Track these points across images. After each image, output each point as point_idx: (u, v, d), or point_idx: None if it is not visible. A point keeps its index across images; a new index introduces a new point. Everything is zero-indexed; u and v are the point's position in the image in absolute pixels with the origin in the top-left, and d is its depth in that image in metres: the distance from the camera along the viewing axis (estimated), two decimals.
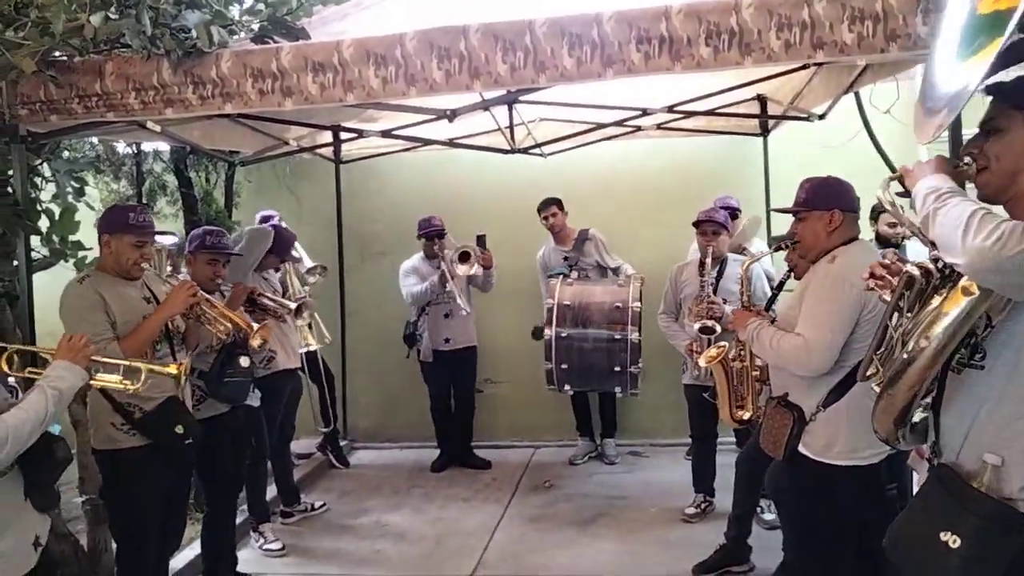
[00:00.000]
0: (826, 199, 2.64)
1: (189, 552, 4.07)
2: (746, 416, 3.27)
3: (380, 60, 2.59)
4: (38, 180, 3.63)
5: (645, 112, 4.75)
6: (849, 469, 2.56)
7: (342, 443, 6.01)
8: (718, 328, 3.99)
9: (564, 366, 4.93)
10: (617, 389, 5.02)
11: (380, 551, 4.37)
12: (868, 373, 1.87)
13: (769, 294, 3.57)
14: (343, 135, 5.13)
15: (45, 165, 3.59)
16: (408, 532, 4.61)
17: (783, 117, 4.97)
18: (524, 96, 3.81)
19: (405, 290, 5.39)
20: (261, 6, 2.80)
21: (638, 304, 4.80)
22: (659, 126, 5.20)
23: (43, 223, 3.23)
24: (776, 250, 3.13)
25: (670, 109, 4.65)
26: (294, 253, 5.02)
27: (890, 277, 1.89)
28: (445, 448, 5.75)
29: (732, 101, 4.72)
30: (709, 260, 4.19)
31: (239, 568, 3.94)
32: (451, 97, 3.23)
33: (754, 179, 5.37)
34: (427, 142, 5.19)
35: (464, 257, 5.14)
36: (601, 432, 5.73)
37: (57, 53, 2.73)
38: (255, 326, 3.30)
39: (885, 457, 2.58)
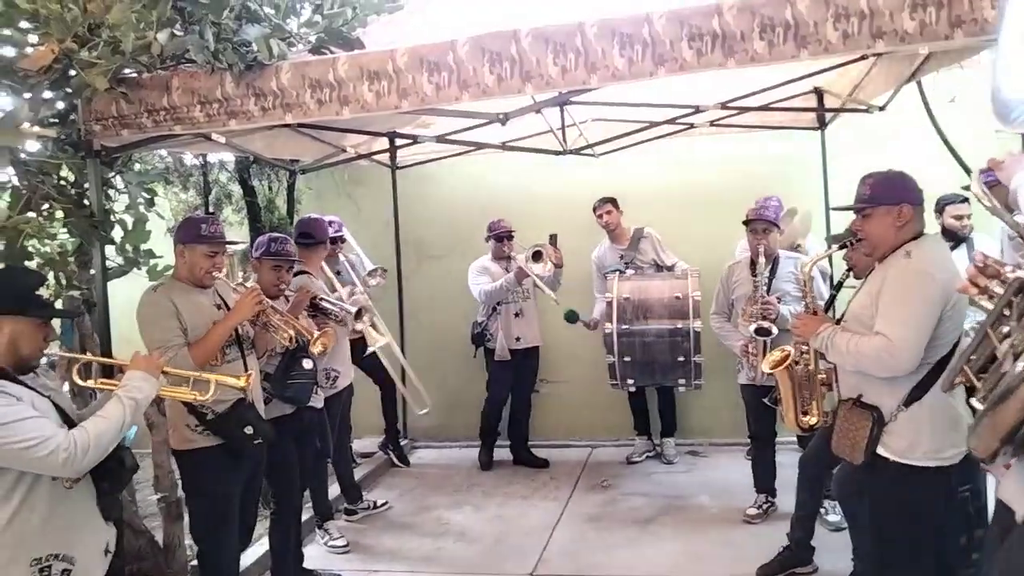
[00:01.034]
0: (893, 193, 2.55)
1: (258, 548, 4.21)
2: (812, 421, 3.19)
3: (433, 67, 2.64)
4: (112, 192, 3.80)
5: (698, 109, 4.70)
6: (933, 470, 2.47)
7: (403, 442, 6.12)
8: (774, 330, 3.93)
9: (627, 359, 4.96)
10: (681, 381, 5.00)
11: (441, 549, 4.43)
12: (956, 381, 1.77)
13: (825, 294, 3.49)
14: (398, 141, 5.23)
15: (118, 177, 3.76)
16: (468, 530, 4.67)
17: (841, 110, 4.85)
18: (576, 97, 3.81)
19: (477, 288, 5.45)
20: (318, 18, 2.88)
21: (698, 294, 4.81)
22: (712, 123, 5.13)
23: (117, 233, 3.39)
24: (840, 248, 3.05)
25: (723, 105, 4.59)
26: (350, 256, 5.13)
27: (987, 281, 1.68)
28: (490, 443, 5.81)
29: (788, 95, 4.63)
30: (762, 259, 4.12)
31: (305, 564, 4.05)
32: (503, 101, 3.27)
33: (811, 175, 5.24)
34: (480, 146, 5.25)
35: (537, 256, 5.20)
36: (660, 431, 5.69)
37: (127, 71, 2.86)
38: (316, 333, 3.39)
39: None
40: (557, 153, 5.09)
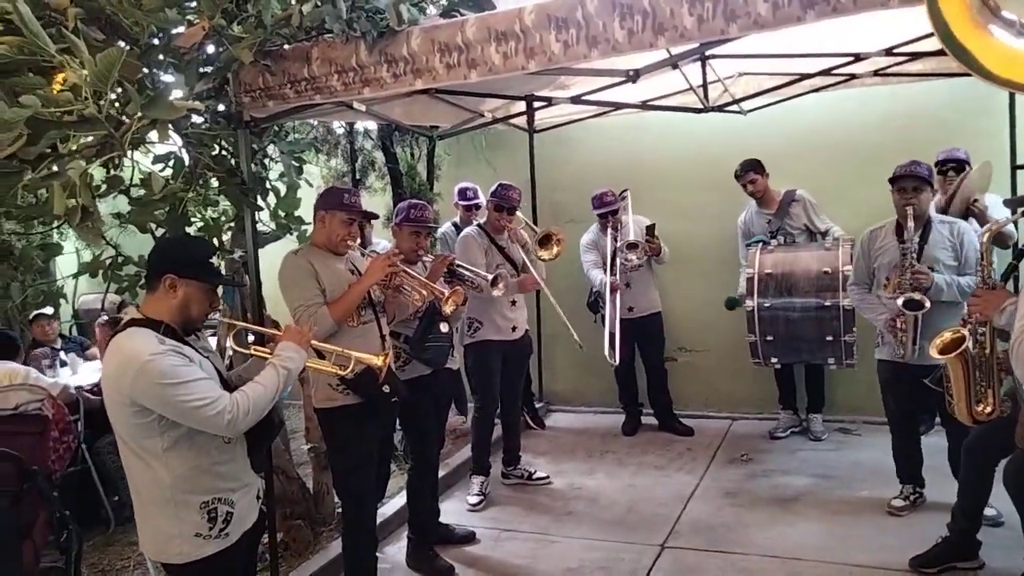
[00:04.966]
0: None
1: (398, 500, 4.42)
2: (988, 411, 2.86)
3: (561, 23, 2.53)
4: (267, 161, 4.03)
5: (858, 57, 4.27)
6: None
7: (537, 405, 6.18)
8: (927, 303, 3.53)
9: (769, 338, 4.71)
10: (830, 360, 4.67)
11: (572, 513, 4.45)
12: None
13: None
14: (535, 104, 5.17)
15: (272, 147, 3.98)
16: (600, 496, 4.64)
17: None
18: (716, 49, 3.57)
19: (585, 266, 5.45)
20: None
21: (849, 268, 4.41)
22: (877, 72, 4.66)
23: (271, 200, 3.59)
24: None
25: (889, 52, 4.14)
26: None
27: None
28: (632, 411, 5.79)
29: None
30: (911, 223, 3.65)
31: (440, 519, 4.20)
32: (639, 56, 3.11)
33: (996, 127, 4.63)
34: (618, 106, 5.09)
35: (632, 246, 5.10)
36: (807, 406, 5.37)
37: (272, 44, 2.98)
38: (447, 292, 3.45)
39: None
40: (698, 111, 4.83)
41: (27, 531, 3.11)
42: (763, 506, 4.31)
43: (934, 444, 4.11)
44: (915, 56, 4.28)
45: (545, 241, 4.71)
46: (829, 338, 4.54)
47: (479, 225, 4.68)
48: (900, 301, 3.59)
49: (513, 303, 4.60)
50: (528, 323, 5.80)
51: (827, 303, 4.51)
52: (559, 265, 5.95)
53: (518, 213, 4.80)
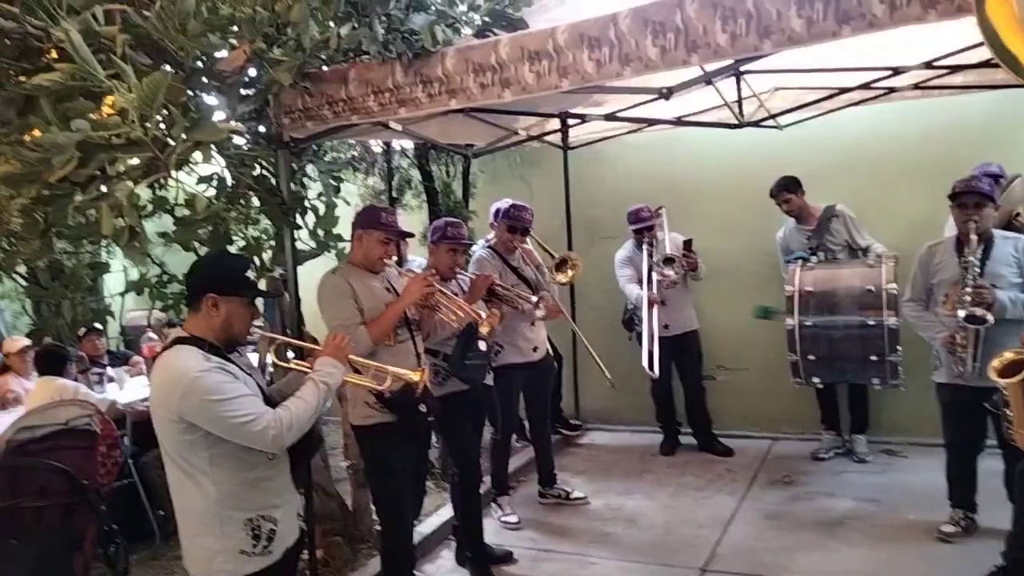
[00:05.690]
0: None
1: (435, 519, 4.42)
2: None
3: (594, 42, 2.56)
4: (306, 180, 4.11)
5: (897, 72, 4.21)
6: None
7: (573, 422, 6.19)
8: (989, 318, 3.43)
9: (811, 357, 4.61)
10: (875, 380, 4.56)
11: (611, 534, 4.39)
12: None
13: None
14: (569, 121, 5.20)
15: (311, 166, 4.06)
16: (639, 517, 4.58)
17: None
18: (750, 65, 3.55)
19: (620, 282, 5.42)
20: (481, 1, 2.90)
21: (893, 286, 4.32)
22: (917, 85, 4.58)
23: (310, 218, 3.66)
24: None
25: (929, 65, 4.07)
26: None
27: None
28: (670, 430, 5.72)
29: None
30: (974, 237, 3.56)
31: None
32: (672, 73, 3.11)
33: None
34: (652, 122, 5.08)
35: (669, 261, 5.06)
36: (851, 426, 5.24)
37: (310, 67, 3.05)
38: (483, 315, 3.46)
39: None
40: (733, 126, 4.79)
41: (78, 543, 3.19)
42: (806, 530, 4.20)
43: (987, 467, 3.97)
44: (956, 69, 4.21)
45: (561, 265, 4.71)
46: (874, 358, 4.42)
47: (489, 246, 4.57)
48: (962, 314, 3.48)
49: (532, 324, 4.57)
50: (563, 341, 5.84)
51: (871, 322, 4.40)
52: (594, 281, 5.96)
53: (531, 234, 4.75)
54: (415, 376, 2.88)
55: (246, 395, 2.22)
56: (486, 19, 2.90)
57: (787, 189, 5.04)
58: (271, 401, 2.39)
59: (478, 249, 4.61)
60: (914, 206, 4.99)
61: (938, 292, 3.79)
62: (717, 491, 4.88)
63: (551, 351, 5.36)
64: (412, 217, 6.11)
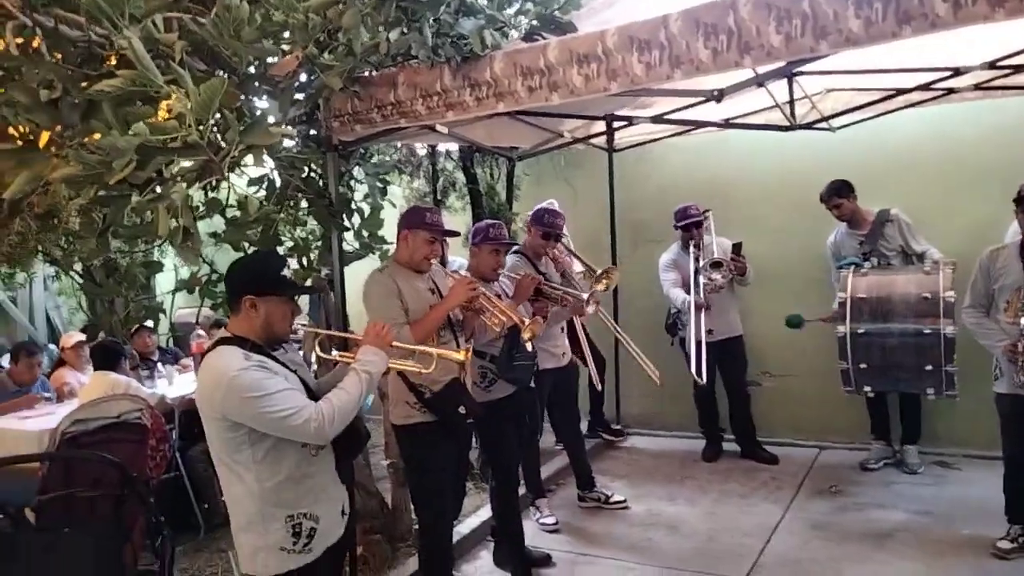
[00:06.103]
0: None
1: (474, 519, 4.43)
2: None
3: (644, 45, 2.53)
4: (353, 183, 4.16)
5: (957, 72, 4.08)
6: None
7: (615, 427, 6.14)
8: None
9: (863, 366, 4.47)
10: (929, 391, 4.42)
11: (651, 540, 4.35)
12: None
13: None
14: (615, 123, 5.16)
15: (358, 169, 4.11)
16: (681, 524, 4.52)
17: None
18: (804, 67, 3.48)
19: (665, 286, 5.38)
20: (530, 5, 2.89)
21: (951, 293, 4.18)
22: (978, 86, 4.43)
23: (356, 220, 3.70)
24: None
25: (992, 65, 3.94)
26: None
27: None
28: (713, 436, 5.67)
29: None
30: None
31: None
32: (721, 76, 3.06)
33: None
34: (699, 124, 5.01)
35: (716, 265, 4.99)
36: (902, 436, 5.10)
37: (360, 71, 3.08)
38: (527, 321, 3.45)
39: None
40: (784, 129, 4.70)
41: (128, 534, 3.27)
42: (854, 541, 4.10)
43: None
44: (1020, 68, 4.06)
45: (600, 276, 4.68)
46: (929, 367, 4.27)
47: (519, 251, 4.49)
48: None
49: (562, 330, 4.59)
50: (605, 345, 5.80)
51: (927, 330, 4.27)
52: (638, 284, 5.92)
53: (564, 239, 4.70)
54: (460, 356, 2.87)
55: (286, 389, 2.24)
56: (534, 23, 2.89)
57: (838, 194, 4.93)
58: (318, 396, 2.39)
59: (511, 257, 4.53)
60: (974, 210, 4.83)
61: (999, 298, 3.68)
62: (762, 499, 4.79)
63: (592, 355, 5.35)
64: (456, 219, 6.14)
